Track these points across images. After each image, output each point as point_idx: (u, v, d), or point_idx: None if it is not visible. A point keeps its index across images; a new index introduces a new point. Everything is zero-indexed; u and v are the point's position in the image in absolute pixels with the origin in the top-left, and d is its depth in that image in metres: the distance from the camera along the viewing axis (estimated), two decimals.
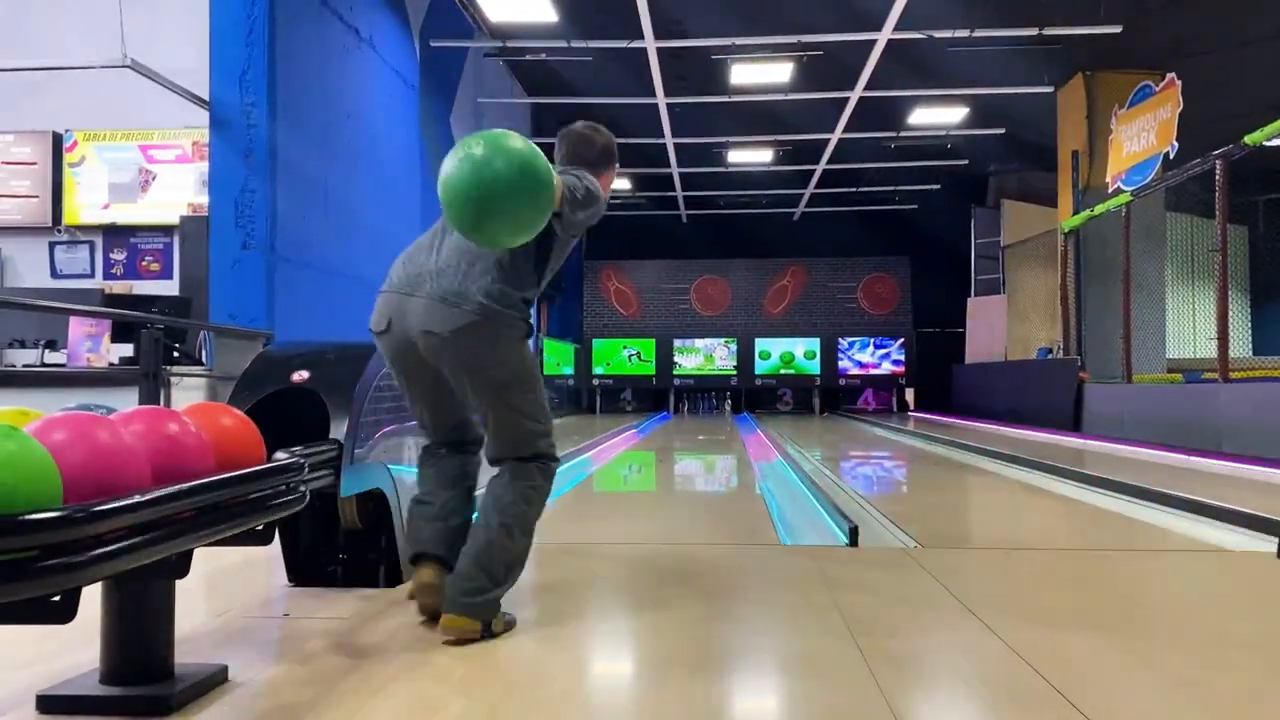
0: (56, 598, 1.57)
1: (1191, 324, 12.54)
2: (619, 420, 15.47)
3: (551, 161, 2.59)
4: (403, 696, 2.11)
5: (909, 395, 19.51)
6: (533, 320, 2.81)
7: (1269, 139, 8.04)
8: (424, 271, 2.69)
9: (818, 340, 19.58)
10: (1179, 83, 9.96)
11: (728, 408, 19.60)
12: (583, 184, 2.67)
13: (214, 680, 2.10)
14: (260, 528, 2.18)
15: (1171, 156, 9.91)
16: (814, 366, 19.53)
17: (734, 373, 19.60)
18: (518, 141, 2.35)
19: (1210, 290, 8.89)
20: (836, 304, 20.26)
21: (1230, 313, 8.51)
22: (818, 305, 20.29)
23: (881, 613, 2.82)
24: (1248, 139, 8.11)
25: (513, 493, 2.66)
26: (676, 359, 19.64)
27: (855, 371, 19.51)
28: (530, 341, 2.70)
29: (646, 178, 17.44)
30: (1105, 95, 12.14)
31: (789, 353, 19.59)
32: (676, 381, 19.65)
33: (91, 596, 1.90)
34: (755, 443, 10.54)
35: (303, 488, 2.27)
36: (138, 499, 1.63)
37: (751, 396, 19.60)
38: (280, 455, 2.28)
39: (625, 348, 19.70)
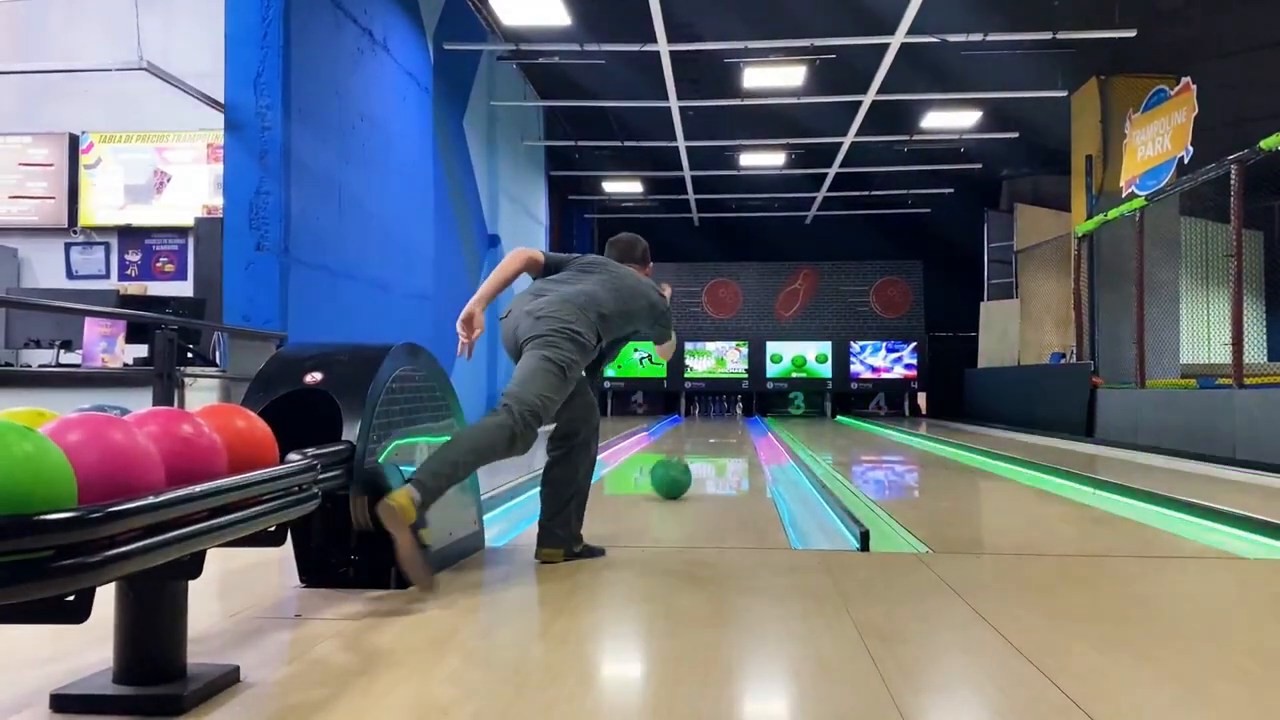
0: (71, 598, 1.58)
1: (1206, 329, 12.47)
2: (630, 423, 15.48)
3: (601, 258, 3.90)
4: (413, 698, 2.11)
5: (921, 399, 19.46)
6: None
7: None
8: None
9: (829, 344, 19.56)
10: (1194, 87, 9.92)
11: (739, 411, 19.59)
12: (669, 324, 4.00)
13: (226, 680, 2.11)
14: (273, 529, 2.19)
15: (1186, 161, 9.87)
16: (826, 370, 19.51)
17: (745, 376, 19.60)
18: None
19: (1225, 295, 8.84)
20: (848, 307, 20.23)
21: (1245, 318, 8.46)
22: (829, 309, 20.26)
23: (892, 617, 2.81)
24: (1263, 144, 8.07)
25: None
26: (688, 362, 19.64)
27: (867, 375, 19.48)
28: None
29: (658, 181, 17.46)
30: (1120, 99, 12.10)
31: (800, 356, 19.58)
32: (688, 385, 19.65)
33: (105, 596, 1.91)
34: (766, 446, 10.53)
35: (315, 489, 2.28)
36: (152, 500, 1.64)
37: (763, 400, 19.59)
38: (293, 457, 2.29)
39: (636, 350, 19.71)
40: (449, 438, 3.69)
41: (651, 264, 4.07)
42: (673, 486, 5.62)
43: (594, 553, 3.70)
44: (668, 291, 3.99)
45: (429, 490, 2.96)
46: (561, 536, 3.60)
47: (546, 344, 3.38)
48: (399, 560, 2.88)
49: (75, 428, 1.67)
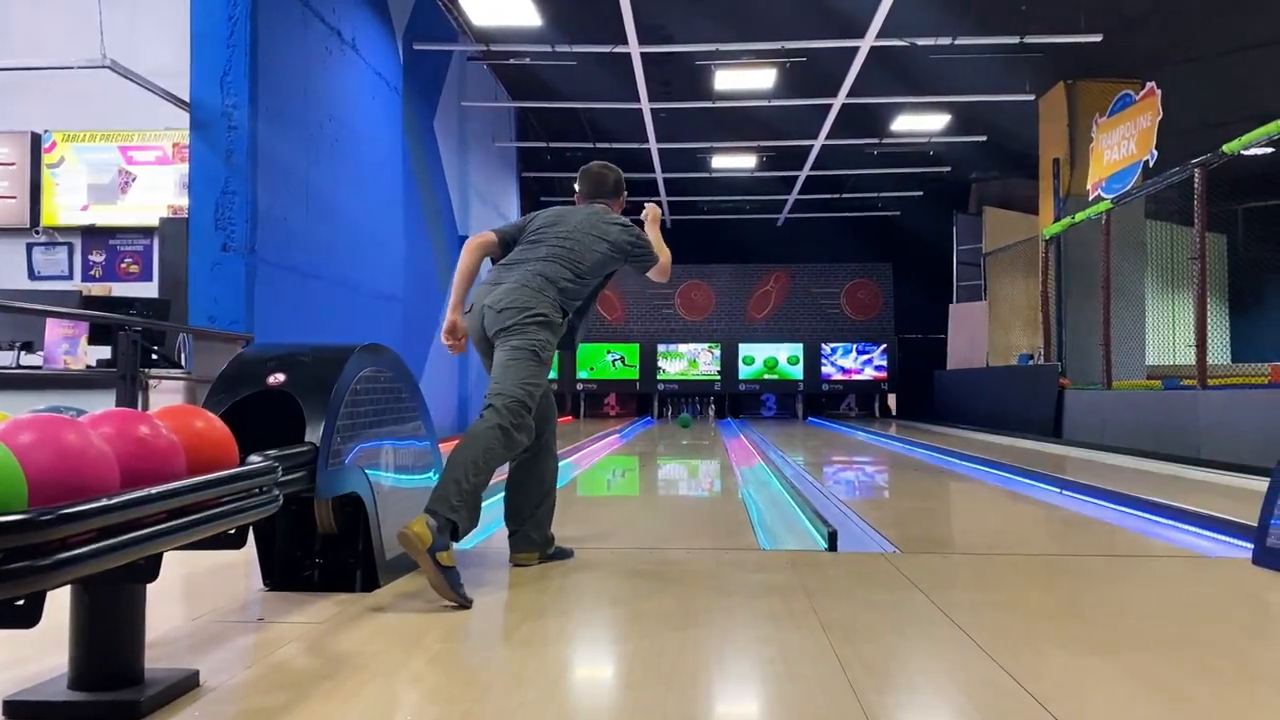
0: (21, 602, 1.54)
1: (1171, 331, 12.63)
2: (602, 425, 15.46)
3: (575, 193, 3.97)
4: (376, 702, 2.09)
5: (891, 401, 19.58)
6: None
7: (1247, 148, 8.11)
8: None
9: (801, 346, 19.63)
10: (1159, 91, 10.04)
11: (711, 413, 19.61)
12: (645, 252, 3.85)
13: (184, 685, 2.08)
14: (233, 531, 2.16)
15: (1151, 164, 9.98)
16: (797, 372, 19.57)
17: (718, 378, 19.62)
18: None
19: (1190, 297, 8.95)
20: (820, 310, 20.30)
21: (1209, 320, 8.56)
22: (801, 311, 20.33)
23: (859, 617, 2.82)
24: (1226, 148, 8.18)
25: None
26: (660, 364, 19.64)
27: (838, 377, 19.57)
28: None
29: (631, 183, 17.32)
30: (1086, 103, 12.23)
31: (772, 358, 19.62)
32: (660, 386, 19.65)
33: (61, 601, 1.88)
34: (738, 448, 10.54)
35: (276, 491, 2.25)
36: (105, 502, 1.61)
37: (735, 402, 19.63)
38: (253, 459, 2.26)
39: (609, 352, 19.69)
40: (427, 444, 3.68)
41: (625, 194, 4.02)
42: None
43: (564, 554, 3.69)
44: (652, 213, 4.00)
45: (442, 514, 2.97)
46: (536, 540, 3.60)
47: (512, 333, 3.38)
48: (430, 585, 2.89)
49: (27, 429, 1.64)
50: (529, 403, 3.33)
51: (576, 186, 3.98)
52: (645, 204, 4.12)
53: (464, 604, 2.86)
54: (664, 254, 3.89)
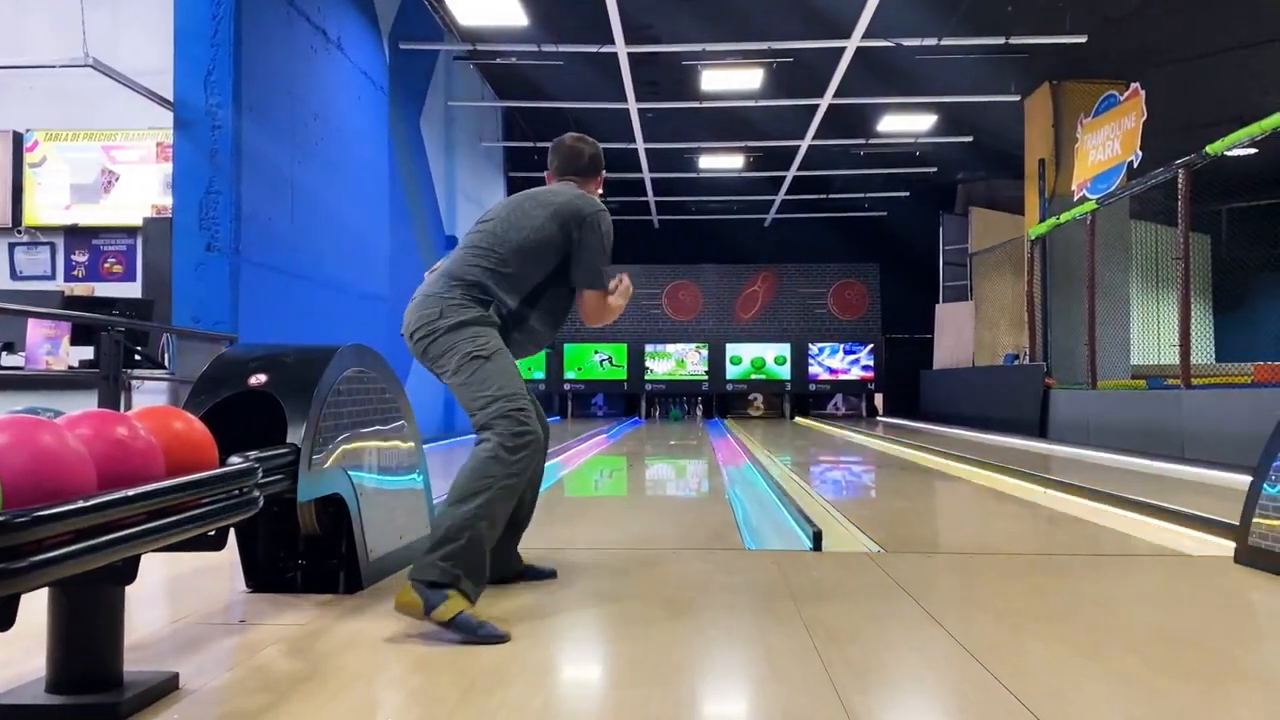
0: None
1: (1156, 331, 12.71)
2: (590, 425, 15.45)
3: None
4: (357, 703, 2.08)
5: (878, 400, 19.62)
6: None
7: (1230, 149, 8.16)
8: None
9: (788, 346, 19.66)
10: (1143, 93, 10.09)
11: (699, 413, 19.63)
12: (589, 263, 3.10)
13: (164, 688, 2.06)
14: (212, 533, 2.15)
15: (1135, 165, 10.03)
16: (785, 372, 19.60)
17: (705, 378, 19.63)
18: None
19: (1174, 297, 9.00)
20: (807, 310, 20.33)
21: (1193, 320, 8.61)
22: (788, 311, 20.36)
23: (842, 617, 2.82)
24: (1209, 149, 8.22)
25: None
26: (648, 364, 19.64)
27: (825, 377, 19.60)
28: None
29: (618, 183, 17.43)
30: (1071, 104, 12.28)
31: (760, 358, 19.64)
32: (648, 387, 19.64)
33: (40, 604, 1.86)
34: (724, 448, 10.55)
35: (256, 493, 2.24)
36: (81, 504, 1.60)
37: (723, 402, 19.64)
38: (234, 460, 2.24)
39: (596, 352, 19.67)
40: (412, 445, 3.57)
41: (603, 174, 3.40)
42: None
43: (542, 574, 3.31)
44: (624, 285, 3.20)
45: (421, 580, 2.54)
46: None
47: (434, 360, 2.88)
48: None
49: (1, 430, 1.62)
50: (511, 412, 2.76)
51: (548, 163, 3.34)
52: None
53: (496, 640, 2.50)
54: (614, 301, 3.15)
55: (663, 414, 19.73)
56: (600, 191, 3.37)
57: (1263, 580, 3.32)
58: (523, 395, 2.84)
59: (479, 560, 2.62)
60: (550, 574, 3.32)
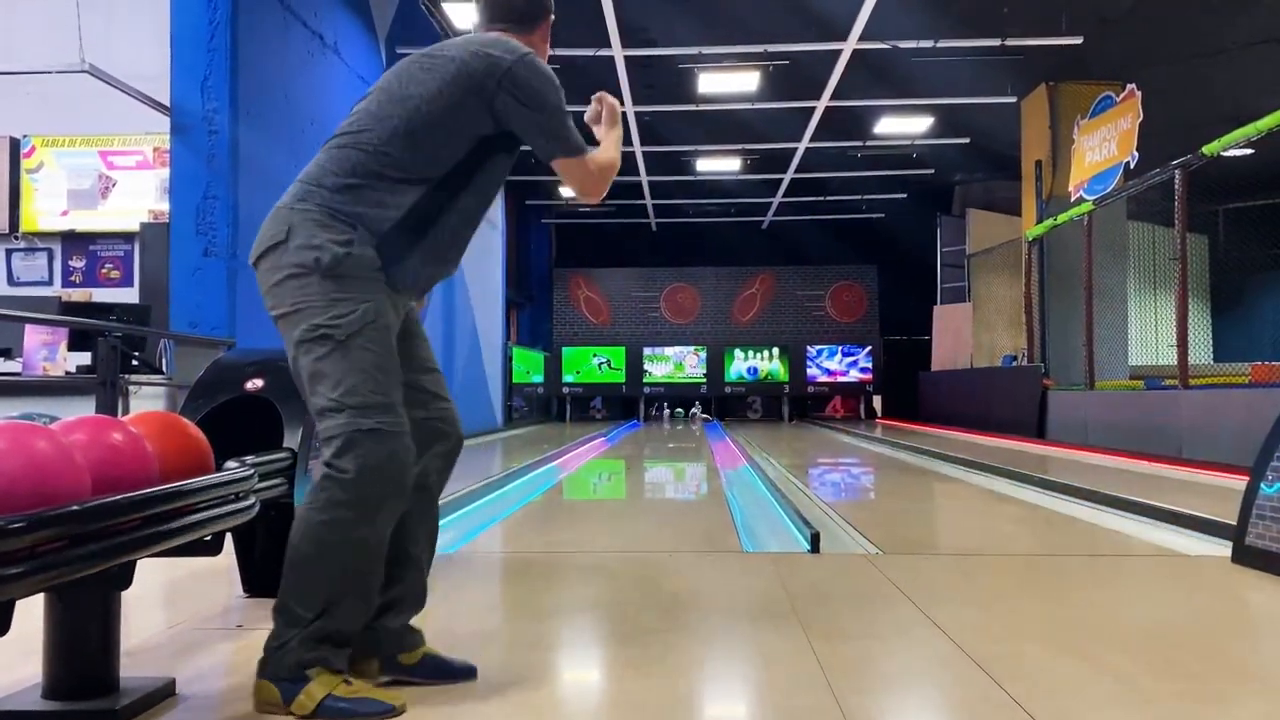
0: None
1: (1154, 331, 12.71)
2: (588, 428, 15.45)
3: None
4: None
5: (876, 402, 19.64)
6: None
7: (1227, 149, 8.17)
8: None
9: (786, 348, 19.68)
10: (1139, 94, 10.11)
11: (697, 414, 19.64)
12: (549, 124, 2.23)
13: (161, 694, 2.06)
14: (209, 538, 2.15)
15: (1132, 166, 10.05)
16: (783, 374, 19.62)
17: (704, 381, 19.64)
18: None
19: (1171, 298, 9.01)
20: (805, 312, 20.36)
21: (1191, 320, 8.62)
22: (786, 313, 20.39)
23: (840, 619, 2.82)
24: (1205, 149, 8.23)
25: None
26: (646, 367, 19.65)
27: (823, 379, 19.61)
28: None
29: (615, 185, 17.34)
30: (1067, 106, 12.30)
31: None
32: (647, 390, 19.65)
33: (36, 609, 1.86)
34: (723, 450, 10.55)
35: (253, 498, 2.24)
36: (75, 509, 1.60)
37: (721, 404, 19.65)
38: (230, 465, 2.24)
39: (595, 356, 19.69)
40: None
41: (547, 22, 2.40)
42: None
43: (452, 671, 2.25)
44: (608, 106, 2.43)
45: (272, 669, 1.97)
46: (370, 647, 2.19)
47: (276, 316, 2.11)
48: None
49: None
50: (362, 424, 1.96)
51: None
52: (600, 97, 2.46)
53: (384, 714, 1.99)
54: (605, 153, 2.34)
55: (659, 417, 19.74)
56: (550, 50, 2.44)
57: (1260, 580, 3.32)
58: (385, 402, 2.00)
59: (344, 620, 2.01)
60: (464, 673, 2.25)
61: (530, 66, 2.16)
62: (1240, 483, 3.86)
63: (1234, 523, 3.67)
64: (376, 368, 2.01)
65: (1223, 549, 3.79)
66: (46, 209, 7.94)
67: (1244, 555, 3.52)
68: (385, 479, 1.99)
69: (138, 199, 7.82)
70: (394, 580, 2.18)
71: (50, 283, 8.01)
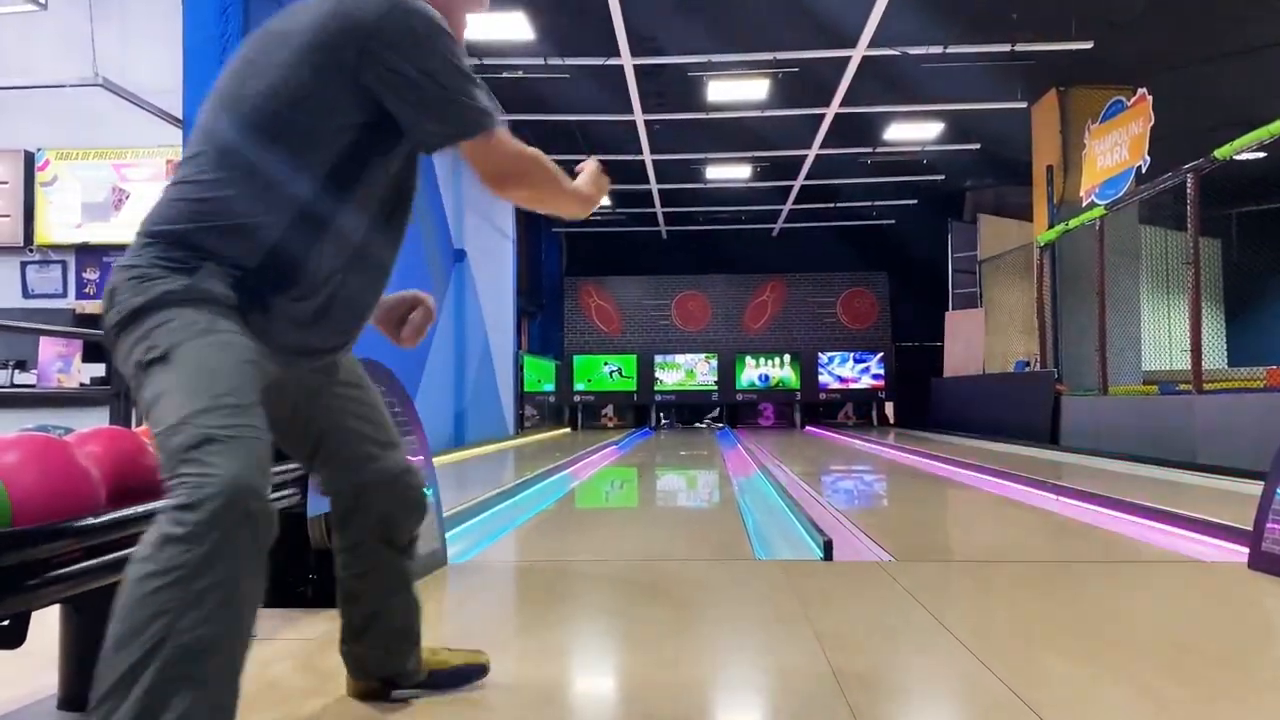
0: (5, 622, 1.54)
1: (1168, 336, 12.65)
2: (600, 436, 15.45)
3: None
4: (368, 718, 2.08)
5: (889, 409, 19.59)
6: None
7: (1239, 152, 8.14)
8: None
9: (798, 355, 19.66)
10: (1150, 98, 10.08)
11: (709, 423, 19.63)
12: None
13: None
14: None
15: (1144, 170, 10.01)
16: (795, 381, 19.60)
17: (715, 388, 19.63)
18: None
19: (1184, 302, 8.97)
20: (816, 319, 20.34)
21: (1204, 325, 8.58)
22: (798, 320, 20.36)
23: (853, 627, 2.81)
24: (1217, 153, 8.20)
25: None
26: (657, 375, 19.65)
27: (835, 386, 19.58)
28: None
29: (626, 194, 17.48)
30: (1078, 110, 12.27)
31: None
32: (658, 397, 19.65)
33: (51, 621, 1.87)
34: (734, 457, 10.54)
35: None
36: (90, 521, 1.61)
37: (732, 412, 19.64)
38: None
39: (606, 364, 19.70)
40: (420, 459, 3.34)
41: None
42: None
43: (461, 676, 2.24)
44: (590, 169, 2.17)
45: None
46: (366, 668, 2.15)
47: (133, 388, 1.59)
48: None
49: (11, 448, 1.64)
50: (193, 436, 1.42)
51: None
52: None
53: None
54: (551, 166, 2.02)
55: (670, 425, 19.76)
56: (480, 9, 1.97)
57: (1276, 587, 3.30)
58: (223, 412, 1.46)
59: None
60: (476, 673, 2.25)
61: (410, 21, 1.62)
62: (1256, 488, 3.83)
63: (1250, 528, 3.64)
64: (208, 374, 1.50)
65: (1239, 555, 3.76)
66: (60, 221, 8.01)
67: (1260, 561, 3.50)
68: (214, 520, 1.42)
69: None
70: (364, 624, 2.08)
71: (64, 295, 8.08)
